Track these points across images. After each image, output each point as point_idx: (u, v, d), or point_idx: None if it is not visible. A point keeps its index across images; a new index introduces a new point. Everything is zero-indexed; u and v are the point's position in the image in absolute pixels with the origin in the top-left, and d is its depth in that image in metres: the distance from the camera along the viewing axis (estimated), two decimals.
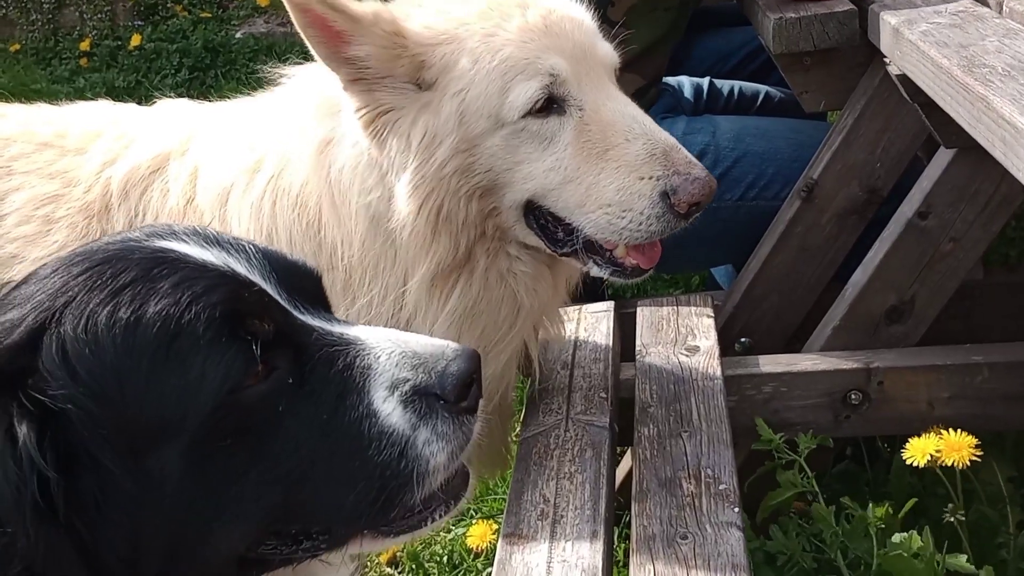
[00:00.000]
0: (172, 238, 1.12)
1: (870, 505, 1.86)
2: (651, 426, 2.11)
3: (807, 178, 2.55)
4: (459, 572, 2.85)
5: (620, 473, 2.56)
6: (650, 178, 1.78)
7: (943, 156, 2.27)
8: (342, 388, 1.09)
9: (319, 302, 1.19)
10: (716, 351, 2.37)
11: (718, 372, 2.27)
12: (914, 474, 2.36)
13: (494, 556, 1.83)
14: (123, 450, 1.01)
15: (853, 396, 2.31)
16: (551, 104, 1.80)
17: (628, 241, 1.84)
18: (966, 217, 2.26)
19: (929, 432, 1.97)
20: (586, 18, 1.91)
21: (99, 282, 1.05)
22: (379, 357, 1.11)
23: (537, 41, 1.79)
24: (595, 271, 1.92)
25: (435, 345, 1.15)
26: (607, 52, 1.90)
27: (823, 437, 2.05)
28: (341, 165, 1.88)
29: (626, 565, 2.42)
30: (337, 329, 1.14)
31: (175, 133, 2.11)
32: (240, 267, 1.11)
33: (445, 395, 1.11)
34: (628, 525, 2.13)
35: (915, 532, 1.81)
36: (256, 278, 1.11)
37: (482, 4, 1.84)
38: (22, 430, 0.97)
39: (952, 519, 1.86)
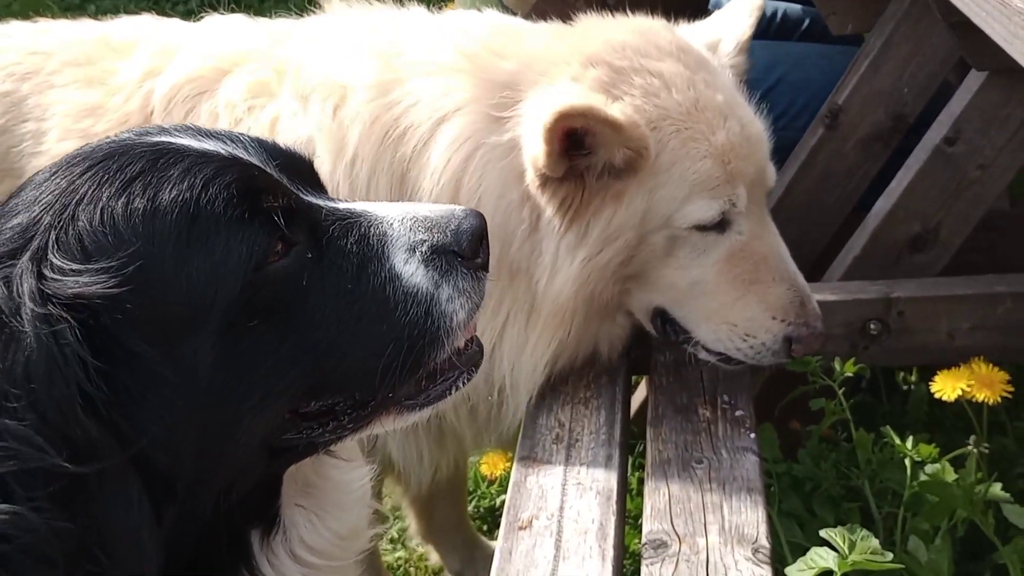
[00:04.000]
0: (166, 134, 1.12)
1: (910, 437, 1.84)
2: (667, 353, 2.09)
3: (831, 104, 2.48)
4: (473, 498, 2.87)
5: (635, 403, 2.55)
6: (783, 321, 1.89)
7: (974, 79, 2.20)
8: (361, 256, 1.12)
9: (317, 185, 1.20)
10: None
11: None
12: (933, 405, 2.34)
13: (508, 482, 1.82)
14: (156, 339, 1.01)
15: (872, 326, 2.27)
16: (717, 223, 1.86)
17: (736, 358, 1.94)
18: (995, 143, 2.20)
19: (957, 365, 1.94)
20: (765, 135, 1.96)
21: (107, 177, 1.05)
22: (392, 224, 1.14)
23: (733, 164, 1.84)
24: (703, 356, 1.98)
25: (443, 208, 1.19)
26: (772, 176, 1.97)
27: (862, 367, 2.02)
28: (486, 179, 1.82)
29: (640, 493, 2.43)
30: (343, 206, 1.16)
31: (229, 48, 2.03)
32: (241, 153, 1.12)
33: (462, 251, 1.15)
34: (642, 454, 2.12)
35: (947, 463, 1.79)
36: (257, 163, 1.12)
37: (688, 99, 1.84)
38: (63, 327, 0.97)
39: (975, 451, 1.84)
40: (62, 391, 0.96)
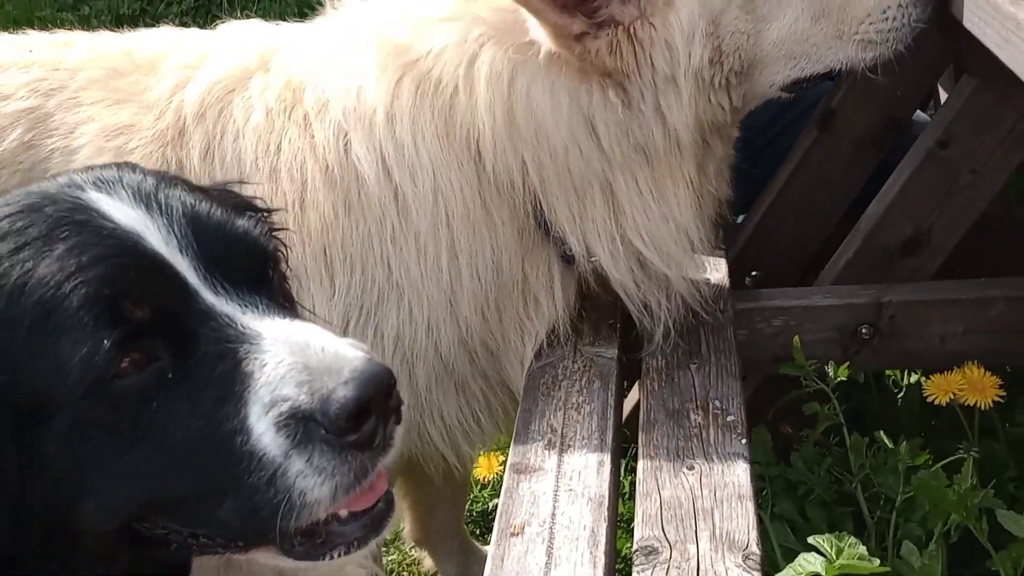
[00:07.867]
0: (104, 189, 1.05)
1: (904, 442, 1.84)
2: (659, 358, 2.09)
3: (825, 108, 2.48)
4: (466, 503, 2.86)
5: (627, 406, 2.55)
6: None
7: (966, 84, 2.20)
8: (222, 393, 0.98)
9: (250, 278, 1.06)
10: (726, 283, 2.33)
11: (728, 305, 2.24)
12: (925, 408, 2.34)
13: (501, 487, 1.82)
14: (7, 423, 0.97)
15: (864, 330, 2.27)
16: None
17: (891, 42, 1.93)
18: (988, 147, 2.20)
19: (949, 369, 1.94)
20: None
21: (6, 235, 1.01)
22: (264, 365, 0.98)
23: None
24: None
25: (336, 358, 0.98)
26: None
27: (855, 371, 2.02)
28: (534, 95, 1.86)
29: (631, 497, 2.43)
30: (245, 319, 1.01)
31: (252, 50, 2.05)
32: (152, 234, 1.01)
33: (327, 425, 0.96)
34: (634, 458, 2.12)
35: (939, 468, 1.79)
36: (167, 249, 1.01)
37: None
38: None
39: (967, 455, 1.84)
40: None
